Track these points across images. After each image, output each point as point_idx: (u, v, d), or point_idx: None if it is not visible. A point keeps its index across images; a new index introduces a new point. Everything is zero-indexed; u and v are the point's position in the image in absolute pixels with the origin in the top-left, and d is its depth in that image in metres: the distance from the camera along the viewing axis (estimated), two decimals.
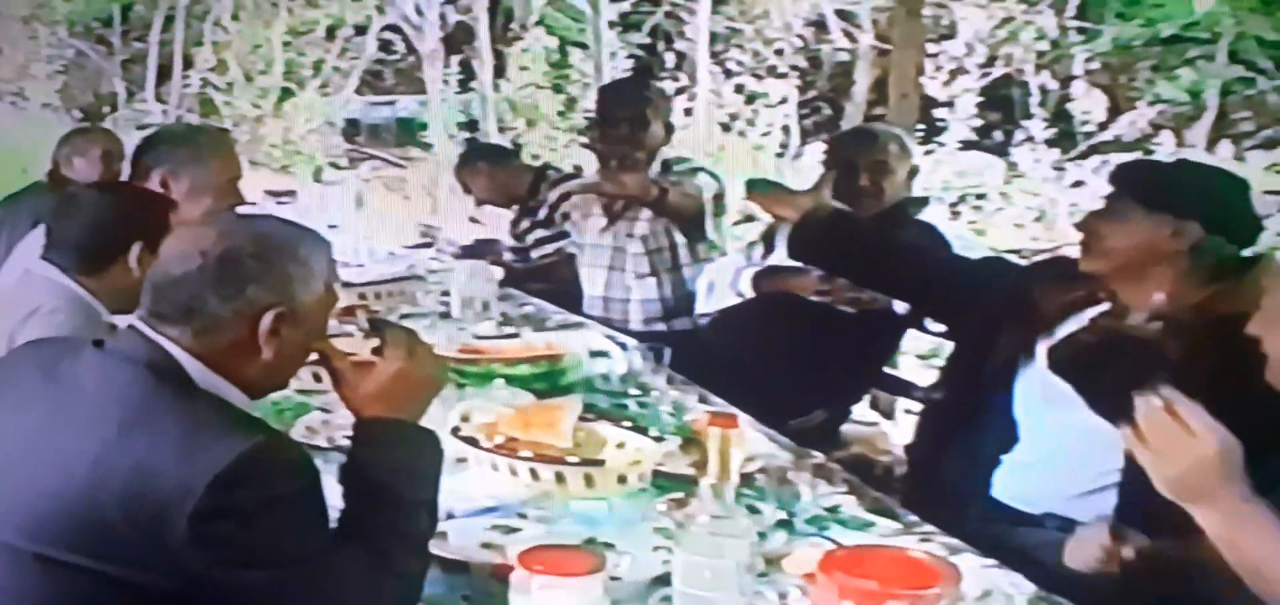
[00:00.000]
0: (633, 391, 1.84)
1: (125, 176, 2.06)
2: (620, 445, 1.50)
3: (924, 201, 2.36)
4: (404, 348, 1.11)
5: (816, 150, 5.81)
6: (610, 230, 2.57)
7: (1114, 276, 1.50)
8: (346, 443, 1.11)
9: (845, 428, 2.33)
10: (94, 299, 1.61)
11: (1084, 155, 6.34)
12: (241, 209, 1.91)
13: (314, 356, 1.12)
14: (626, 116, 2.49)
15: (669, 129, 2.58)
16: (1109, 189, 1.55)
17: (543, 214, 3.05)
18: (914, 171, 2.32)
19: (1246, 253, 1.48)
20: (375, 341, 1.13)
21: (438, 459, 1.10)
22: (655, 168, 2.51)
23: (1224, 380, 1.08)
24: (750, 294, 2.31)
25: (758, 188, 2.16)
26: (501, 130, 7.45)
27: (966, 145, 6.53)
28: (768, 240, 2.40)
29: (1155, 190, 1.49)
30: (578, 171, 2.96)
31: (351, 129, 8.58)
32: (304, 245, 1.08)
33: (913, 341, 2.47)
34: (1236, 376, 1.12)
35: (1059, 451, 1.54)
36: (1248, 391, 1.12)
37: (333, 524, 1.05)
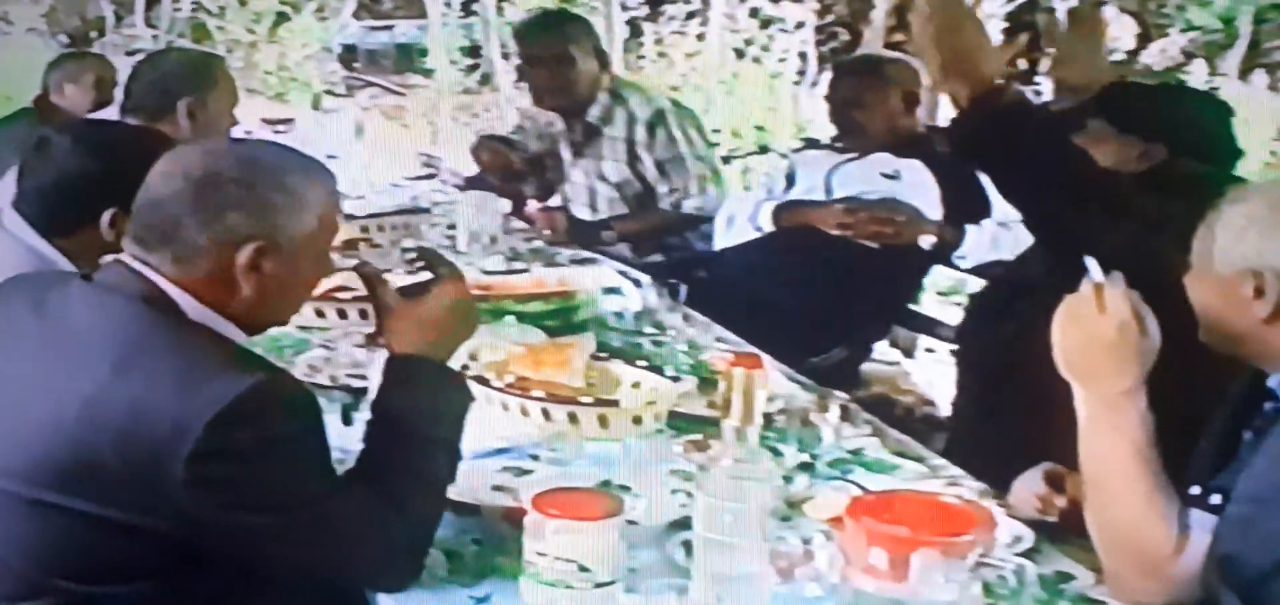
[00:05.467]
0: (647, 330, 1.79)
1: (129, 107, 1.88)
2: (635, 385, 1.46)
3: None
4: (456, 284, 1.08)
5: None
6: (578, 164, 2.49)
7: None
8: (349, 381, 1.07)
9: (865, 366, 2.28)
10: (67, 261, 1.40)
11: None
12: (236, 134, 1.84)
13: (361, 290, 1.08)
14: (549, 56, 2.39)
15: (603, 59, 2.46)
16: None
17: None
18: (911, 99, 2.22)
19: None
20: (425, 272, 1.09)
21: (466, 403, 1.08)
22: (603, 98, 2.42)
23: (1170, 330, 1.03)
24: (770, 228, 2.24)
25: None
26: (505, 57, 7.26)
27: None
28: (788, 174, 2.32)
29: (1127, 112, 1.53)
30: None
31: (349, 54, 8.37)
32: (293, 174, 1.01)
33: (935, 277, 2.41)
34: (1178, 325, 1.07)
35: None
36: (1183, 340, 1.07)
37: (353, 462, 1.02)
